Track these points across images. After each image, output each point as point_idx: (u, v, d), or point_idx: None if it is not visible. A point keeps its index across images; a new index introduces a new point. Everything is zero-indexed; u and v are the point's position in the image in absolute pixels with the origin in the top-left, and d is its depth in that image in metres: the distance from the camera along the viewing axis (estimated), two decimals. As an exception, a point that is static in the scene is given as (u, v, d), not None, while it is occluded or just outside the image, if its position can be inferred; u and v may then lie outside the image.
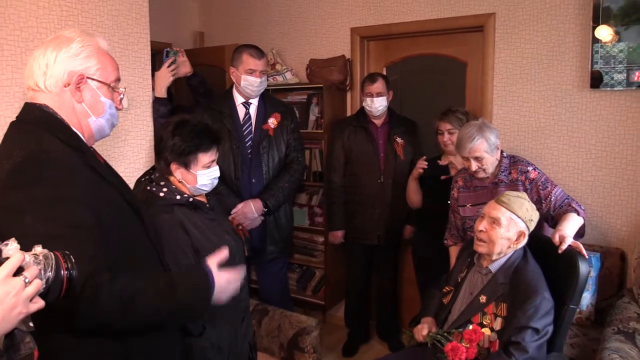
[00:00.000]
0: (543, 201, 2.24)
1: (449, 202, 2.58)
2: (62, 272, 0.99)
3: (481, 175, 2.33)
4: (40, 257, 0.96)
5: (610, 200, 2.81)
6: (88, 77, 1.28)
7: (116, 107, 1.37)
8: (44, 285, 0.96)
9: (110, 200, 1.26)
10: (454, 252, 2.55)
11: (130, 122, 2.51)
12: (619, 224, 2.79)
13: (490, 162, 2.29)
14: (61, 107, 1.27)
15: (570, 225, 2.08)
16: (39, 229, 1.08)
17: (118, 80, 1.36)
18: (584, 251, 1.96)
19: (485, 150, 2.26)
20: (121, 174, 2.44)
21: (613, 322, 2.27)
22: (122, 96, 1.38)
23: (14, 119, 1.28)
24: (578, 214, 2.16)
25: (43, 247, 1.05)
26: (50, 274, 0.97)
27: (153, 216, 1.69)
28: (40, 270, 0.95)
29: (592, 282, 2.53)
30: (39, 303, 0.94)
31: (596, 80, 2.72)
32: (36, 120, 1.24)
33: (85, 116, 1.30)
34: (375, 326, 3.52)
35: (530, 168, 2.32)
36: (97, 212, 1.17)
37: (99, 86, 1.30)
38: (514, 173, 2.32)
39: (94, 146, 1.39)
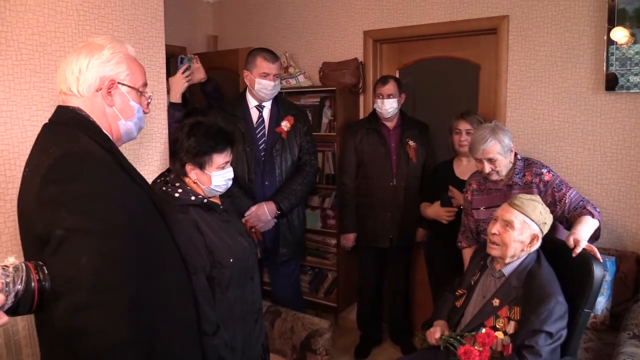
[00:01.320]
0: (557, 203, 2.22)
1: (461, 206, 2.58)
2: (33, 284, 0.96)
3: (494, 177, 2.32)
4: (10, 269, 0.94)
5: (625, 204, 2.78)
6: (119, 82, 1.34)
7: (143, 111, 1.43)
8: (13, 299, 0.93)
9: (139, 200, 1.30)
10: (467, 254, 2.54)
11: (145, 125, 2.54)
12: (635, 227, 2.76)
13: (504, 164, 2.28)
14: (93, 110, 1.32)
15: (585, 229, 2.06)
16: (72, 222, 1.11)
17: (145, 84, 1.42)
18: (598, 255, 1.94)
19: (498, 152, 2.25)
20: (137, 176, 2.48)
21: (628, 326, 2.24)
22: (149, 100, 1.44)
23: (47, 121, 1.33)
24: (593, 217, 2.14)
25: (72, 240, 1.04)
26: (19, 286, 0.94)
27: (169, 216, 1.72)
28: (9, 283, 0.92)
29: (607, 286, 2.51)
30: (3, 319, 0.92)
31: (611, 83, 2.70)
32: (70, 121, 1.29)
33: (116, 119, 1.36)
34: (387, 329, 3.52)
35: (544, 170, 2.30)
36: (129, 211, 1.21)
37: (129, 91, 1.36)
38: (528, 175, 2.31)
39: None
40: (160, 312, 1.29)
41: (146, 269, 1.23)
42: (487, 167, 2.28)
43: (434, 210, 2.89)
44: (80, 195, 1.14)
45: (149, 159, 2.56)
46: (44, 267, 0.99)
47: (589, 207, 2.19)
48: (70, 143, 1.22)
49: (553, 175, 2.30)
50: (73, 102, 1.31)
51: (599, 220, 2.15)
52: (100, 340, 1.08)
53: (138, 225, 1.23)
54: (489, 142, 2.24)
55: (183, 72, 2.73)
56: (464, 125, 2.79)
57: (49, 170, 1.17)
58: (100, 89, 1.31)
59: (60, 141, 1.23)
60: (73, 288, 1.06)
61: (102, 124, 1.33)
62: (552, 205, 2.21)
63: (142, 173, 2.48)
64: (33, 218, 1.18)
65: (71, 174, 1.16)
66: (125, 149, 2.42)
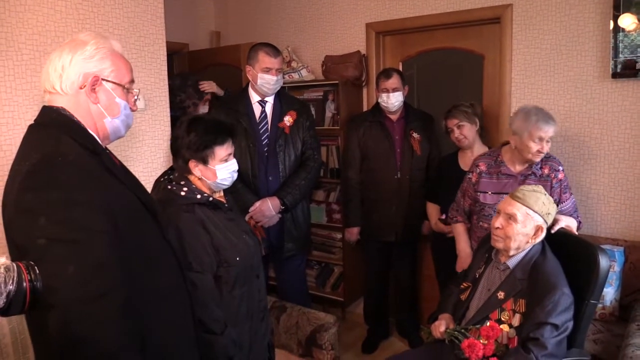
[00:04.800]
0: (558, 204, 2.24)
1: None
2: (25, 284, 0.96)
3: (537, 159, 2.29)
4: (1, 270, 0.94)
5: (634, 193, 2.74)
6: (103, 79, 1.29)
7: (130, 108, 1.38)
8: (5, 300, 0.93)
9: (125, 202, 1.27)
10: (460, 229, 2.56)
11: (147, 123, 2.55)
12: (644, 217, 2.72)
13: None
14: (77, 109, 1.28)
15: (567, 219, 2.15)
16: (51, 231, 1.08)
17: (132, 81, 1.37)
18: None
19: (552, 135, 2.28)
20: (139, 174, 2.49)
21: (637, 317, 2.22)
22: (136, 97, 1.40)
23: (32, 122, 1.30)
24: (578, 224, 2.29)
25: (54, 250, 1.03)
26: (11, 287, 0.94)
27: (174, 215, 1.72)
28: (0, 283, 0.92)
29: (616, 276, 2.48)
30: None
31: (620, 70, 2.66)
32: (54, 123, 1.25)
33: (101, 117, 1.31)
34: (394, 323, 3.51)
35: (560, 168, 2.35)
36: (112, 216, 1.17)
37: (114, 87, 1.32)
38: (545, 168, 2.32)
39: (111, 148, 1.40)
40: (152, 315, 1.27)
41: (136, 273, 1.21)
42: (546, 147, 2.26)
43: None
44: (57, 203, 1.11)
45: (152, 156, 2.57)
46: (35, 267, 0.98)
47: (577, 214, 2.36)
48: (49, 147, 1.18)
49: (565, 175, 2.35)
50: (57, 101, 1.28)
51: (579, 227, 2.30)
52: (93, 350, 1.08)
53: (124, 228, 1.20)
54: (554, 123, 2.26)
55: None
56: (452, 122, 2.80)
57: (26, 176, 1.14)
58: (84, 86, 1.27)
59: (39, 145, 1.20)
60: (61, 300, 1.05)
61: (87, 123, 1.29)
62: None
63: (144, 171, 2.51)
64: (11, 225, 1.16)
65: (48, 181, 1.13)
66: (127, 147, 2.43)
